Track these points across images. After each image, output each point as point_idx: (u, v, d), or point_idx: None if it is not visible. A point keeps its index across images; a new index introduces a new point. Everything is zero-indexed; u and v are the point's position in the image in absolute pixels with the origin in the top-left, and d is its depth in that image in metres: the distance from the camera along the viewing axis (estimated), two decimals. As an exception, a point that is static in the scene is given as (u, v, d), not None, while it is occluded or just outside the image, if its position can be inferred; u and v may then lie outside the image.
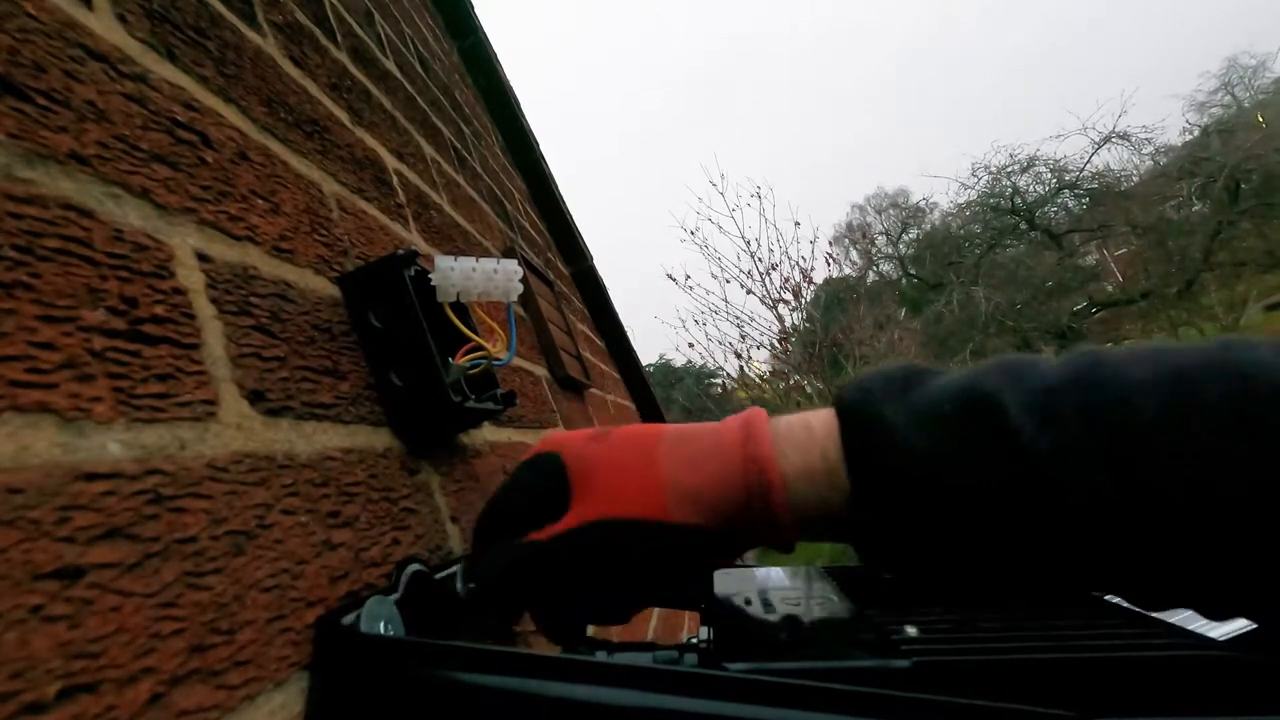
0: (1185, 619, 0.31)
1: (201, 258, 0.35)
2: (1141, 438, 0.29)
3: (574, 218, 2.50)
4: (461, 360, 0.47)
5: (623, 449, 0.37)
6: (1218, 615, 0.32)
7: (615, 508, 0.35)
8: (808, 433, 0.35)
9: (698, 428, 0.37)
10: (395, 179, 0.73)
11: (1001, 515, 0.32)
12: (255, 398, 0.35)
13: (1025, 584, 0.33)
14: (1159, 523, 0.29)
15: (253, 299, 0.38)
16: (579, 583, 0.37)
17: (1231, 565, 0.29)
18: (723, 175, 14.86)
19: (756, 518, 0.34)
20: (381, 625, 0.35)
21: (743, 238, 8.59)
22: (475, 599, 0.41)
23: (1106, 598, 0.33)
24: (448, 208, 0.92)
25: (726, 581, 0.39)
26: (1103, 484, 0.30)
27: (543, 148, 2.37)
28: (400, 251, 0.47)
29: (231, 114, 0.44)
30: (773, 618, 0.33)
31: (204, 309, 0.34)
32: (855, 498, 0.34)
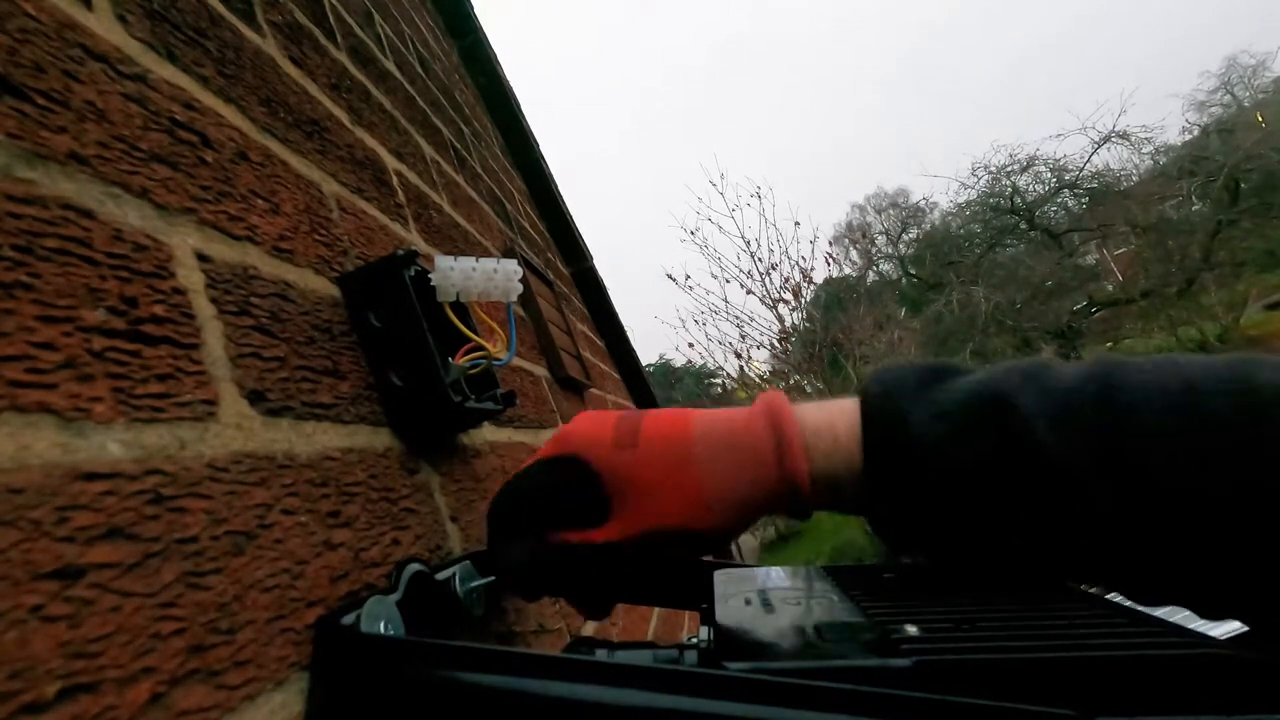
0: (1185, 618, 0.31)
1: (201, 258, 0.35)
2: (1145, 445, 0.30)
3: (573, 217, 2.50)
4: (461, 360, 0.47)
5: (658, 461, 0.38)
6: (1213, 615, 0.33)
7: (664, 520, 0.37)
8: (834, 440, 0.37)
9: (727, 428, 0.38)
10: (395, 179, 0.73)
11: (1012, 514, 0.33)
12: (255, 398, 0.35)
13: (1030, 574, 0.35)
14: (1156, 526, 0.30)
15: (253, 299, 0.38)
16: (616, 578, 0.41)
17: (1227, 568, 0.30)
18: (722, 175, 14.88)
19: (792, 508, 0.38)
20: (381, 625, 0.35)
21: (743, 238, 8.60)
22: (500, 587, 0.44)
23: (1108, 596, 0.34)
24: (447, 208, 0.92)
25: (727, 582, 0.39)
26: (1106, 488, 0.31)
27: (543, 146, 2.37)
28: (400, 251, 0.47)
29: (231, 114, 0.44)
30: (773, 618, 0.33)
31: (204, 309, 0.34)
32: (873, 493, 0.36)
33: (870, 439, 0.36)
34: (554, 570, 0.40)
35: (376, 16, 1.02)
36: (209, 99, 0.42)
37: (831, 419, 0.37)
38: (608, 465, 0.38)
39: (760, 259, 8.60)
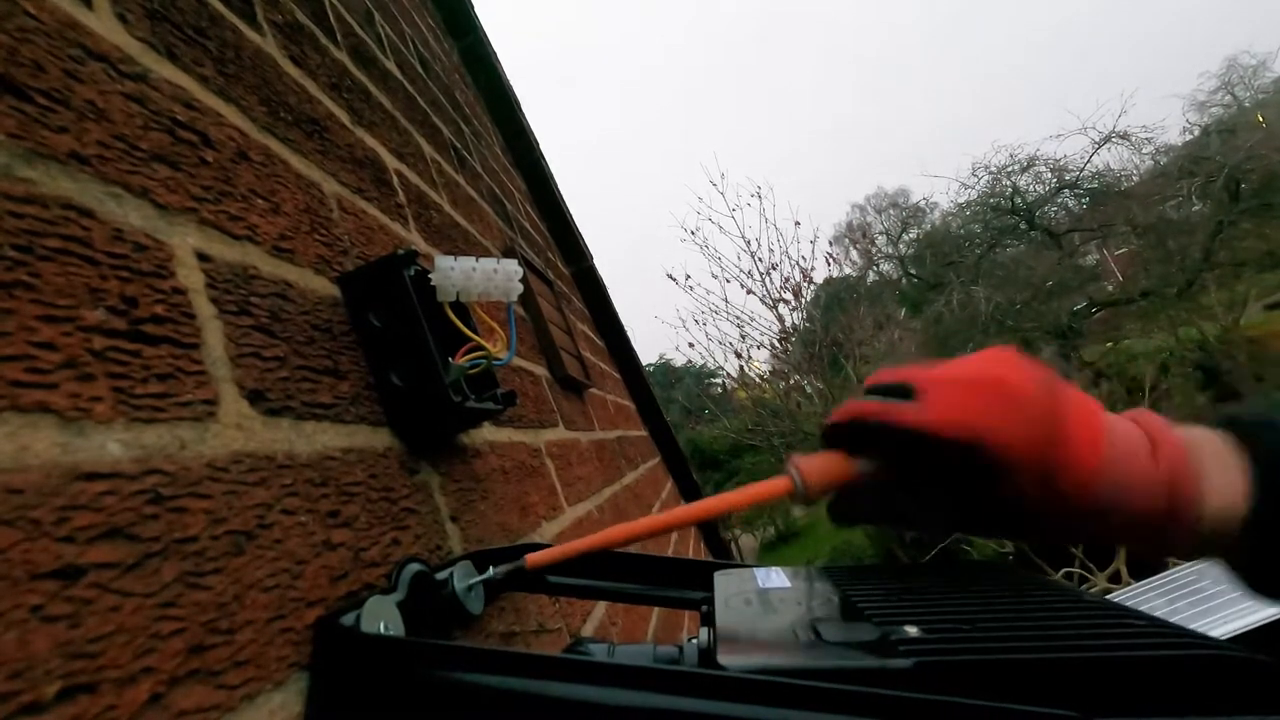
0: (1186, 618, 0.31)
1: (201, 257, 0.35)
2: None
3: (573, 216, 2.50)
4: (461, 360, 0.47)
5: (1068, 493, 0.36)
6: None
7: (1040, 525, 0.37)
8: (1224, 471, 0.36)
9: (1131, 480, 0.36)
10: (395, 179, 0.73)
11: None
12: (255, 397, 0.35)
13: None
14: None
15: (253, 299, 0.38)
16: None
17: None
18: (723, 175, 14.88)
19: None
20: (381, 625, 0.35)
21: (743, 237, 8.60)
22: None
23: (1107, 596, 0.34)
24: (448, 207, 0.92)
25: (727, 582, 0.39)
26: None
27: (543, 145, 2.37)
28: (400, 251, 0.47)
29: (231, 114, 0.44)
30: (773, 618, 0.33)
31: (204, 309, 0.34)
32: (1258, 536, 0.35)
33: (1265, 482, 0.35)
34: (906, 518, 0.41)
35: (377, 16, 1.02)
36: (209, 98, 0.42)
37: (1228, 470, 0.36)
38: (1022, 478, 0.35)
39: (760, 259, 8.60)
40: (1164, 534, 0.36)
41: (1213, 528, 0.35)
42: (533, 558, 0.41)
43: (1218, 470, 0.36)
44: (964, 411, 0.35)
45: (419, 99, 1.05)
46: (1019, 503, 0.36)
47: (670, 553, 1.60)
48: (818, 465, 0.38)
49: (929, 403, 0.36)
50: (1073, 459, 0.35)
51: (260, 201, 0.43)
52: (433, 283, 0.46)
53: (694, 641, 0.37)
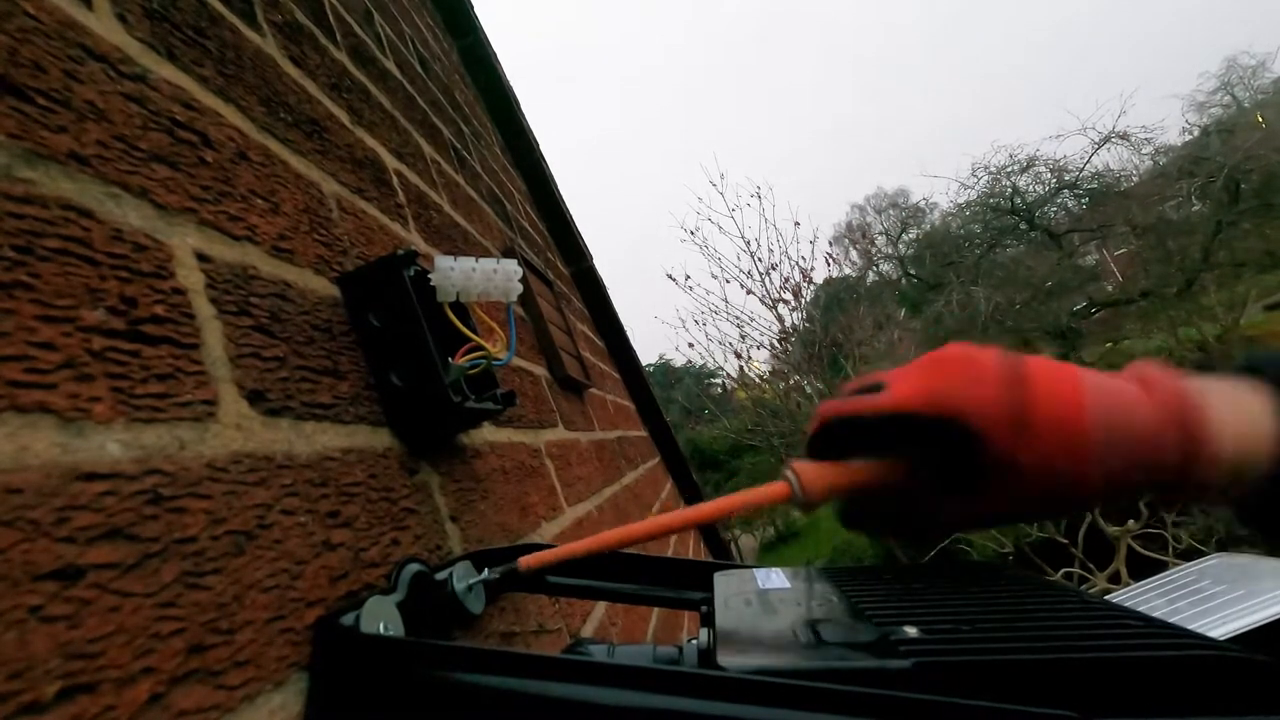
0: (1186, 619, 0.31)
1: (201, 258, 0.35)
2: None
3: (573, 217, 2.50)
4: (461, 360, 0.47)
5: (1056, 453, 0.35)
6: None
7: (1052, 498, 0.36)
8: (1239, 408, 0.35)
9: (1127, 430, 0.35)
10: (395, 179, 0.73)
11: None
12: (255, 398, 0.35)
13: None
14: None
15: (252, 299, 0.38)
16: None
17: None
18: (722, 175, 14.88)
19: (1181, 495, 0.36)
20: (381, 625, 0.35)
21: (742, 238, 8.61)
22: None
23: (1106, 596, 0.34)
24: (447, 207, 0.92)
25: (726, 582, 0.39)
26: None
27: (543, 143, 2.37)
28: (400, 251, 0.47)
29: (231, 114, 0.44)
30: (772, 618, 0.33)
31: (204, 309, 0.34)
32: None
33: None
34: (906, 523, 0.40)
35: (376, 16, 1.02)
36: (209, 99, 0.42)
37: (1245, 412, 0.35)
38: (997, 442, 0.34)
39: (760, 259, 8.61)
40: (1188, 473, 0.34)
41: (1238, 458, 0.34)
42: (526, 560, 0.41)
43: (1228, 401, 0.35)
44: (929, 387, 0.35)
45: (418, 99, 1.05)
46: (1018, 474, 0.35)
47: (670, 553, 1.60)
48: (816, 470, 0.37)
49: (894, 387, 0.36)
50: (1046, 410, 0.34)
51: (260, 202, 0.43)
52: (432, 283, 0.46)
53: (694, 642, 0.37)
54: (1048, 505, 0.37)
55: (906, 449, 0.37)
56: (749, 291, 8.50)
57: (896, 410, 0.36)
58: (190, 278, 0.34)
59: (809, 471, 0.37)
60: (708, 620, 0.36)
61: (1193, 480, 0.34)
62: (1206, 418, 0.34)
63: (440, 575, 0.42)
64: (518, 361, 0.93)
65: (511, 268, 0.47)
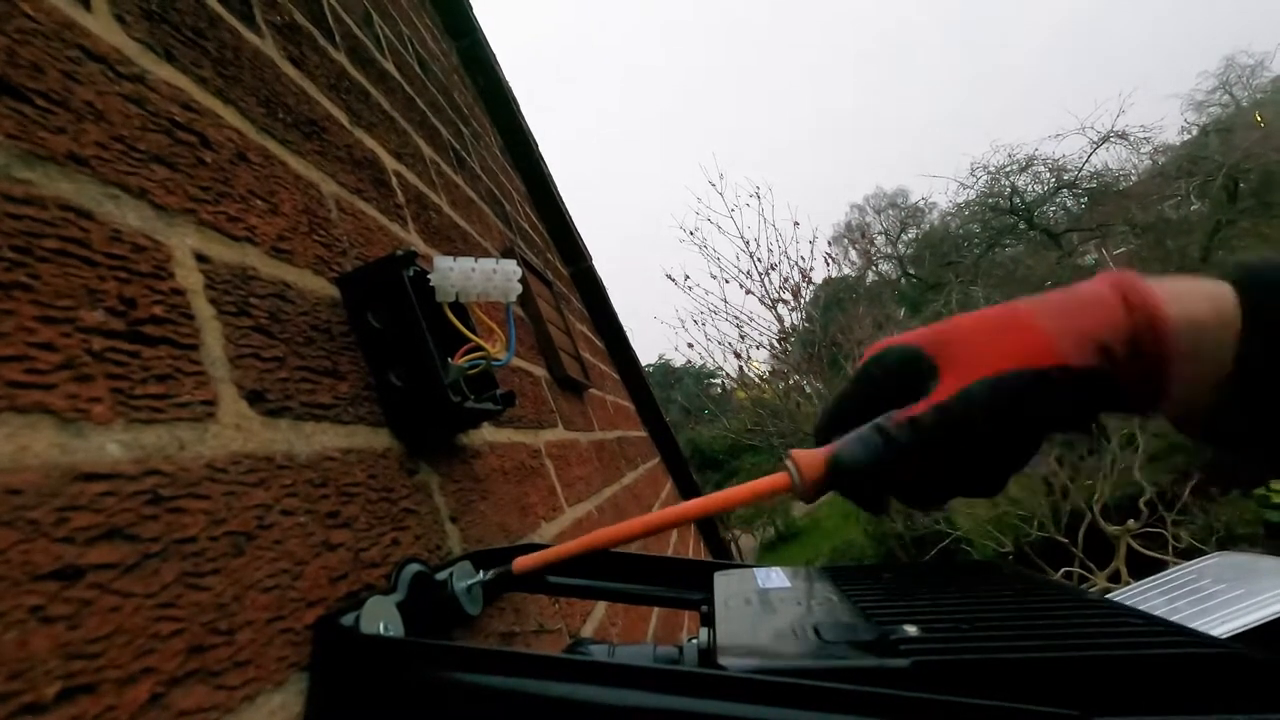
0: (1186, 617, 0.31)
1: (200, 258, 0.35)
2: None
3: (572, 217, 2.50)
4: (461, 360, 0.47)
5: (982, 317, 0.35)
6: None
7: (1004, 363, 0.33)
8: (1191, 285, 0.34)
9: (1052, 293, 0.35)
10: (394, 179, 0.73)
11: None
12: (254, 398, 0.35)
13: None
14: None
15: (251, 299, 0.38)
16: (962, 452, 0.35)
17: None
18: (721, 176, 14.89)
19: (1146, 363, 0.33)
20: (381, 626, 0.35)
21: (742, 238, 8.61)
22: (848, 489, 0.37)
23: (1107, 596, 0.33)
24: (446, 208, 0.92)
25: (726, 582, 0.39)
26: None
27: (543, 143, 2.37)
28: (399, 252, 0.47)
29: (230, 115, 0.44)
30: (772, 618, 0.33)
31: (203, 309, 0.34)
32: (1246, 336, 0.33)
33: (1253, 280, 0.33)
34: (902, 455, 0.35)
35: (375, 17, 1.02)
36: (208, 100, 0.42)
37: (1181, 281, 0.34)
38: (928, 340, 0.36)
39: (759, 259, 8.61)
40: (1139, 340, 0.33)
41: (1193, 330, 0.33)
42: (520, 561, 0.41)
43: (1182, 284, 0.34)
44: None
45: (417, 100, 1.05)
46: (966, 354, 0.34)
47: (670, 553, 1.60)
48: (815, 456, 0.37)
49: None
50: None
51: (259, 202, 0.43)
52: (432, 283, 0.46)
53: (694, 641, 0.37)
54: (1027, 386, 0.34)
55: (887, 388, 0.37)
56: (748, 291, 8.51)
57: (863, 360, 0.38)
58: (189, 278, 0.34)
59: (806, 458, 0.37)
60: (708, 620, 0.36)
61: (1146, 350, 0.33)
62: (1149, 287, 0.34)
63: (440, 575, 0.42)
64: (517, 362, 0.93)
65: (511, 268, 0.47)
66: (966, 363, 0.34)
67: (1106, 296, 0.34)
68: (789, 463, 0.37)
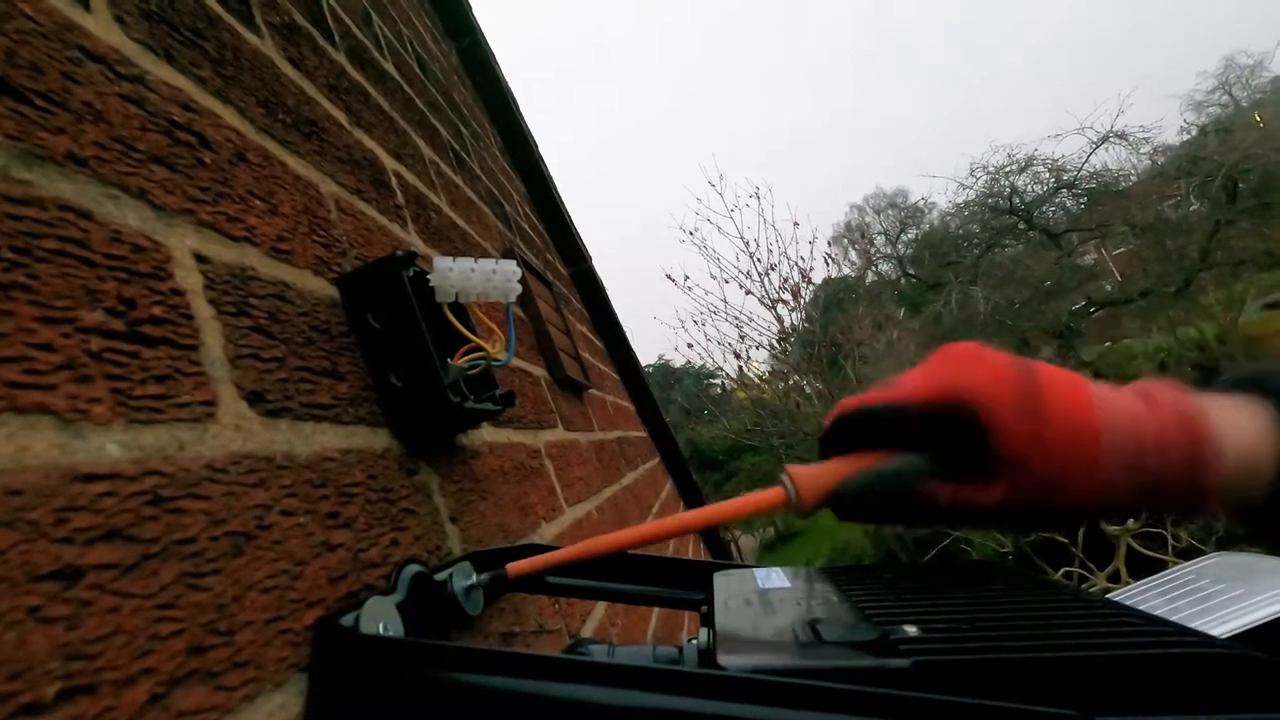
0: (1186, 617, 0.31)
1: (200, 259, 0.35)
2: None
3: (572, 218, 2.50)
4: (460, 361, 0.47)
5: (1067, 448, 0.35)
6: None
7: (1055, 498, 0.35)
8: (1240, 417, 0.36)
9: (1136, 428, 0.35)
10: (394, 180, 0.73)
11: None
12: (254, 399, 0.35)
13: None
14: None
15: (251, 300, 0.38)
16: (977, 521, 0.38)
17: None
18: (721, 176, 14.88)
19: (1190, 499, 0.36)
20: (381, 626, 0.35)
21: (741, 238, 8.61)
22: (849, 516, 0.39)
23: (1107, 596, 0.34)
24: (446, 209, 0.92)
25: (726, 582, 0.39)
26: None
27: (542, 144, 2.37)
28: (399, 252, 0.47)
29: (229, 115, 0.44)
30: (772, 618, 0.33)
31: (202, 310, 0.34)
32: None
33: None
34: (932, 519, 0.38)
35: (374, 17, 1.02)
36: (207, 100, 0.42)
37: (1243, 433, 0.36)
38: (1007, 431, 0.35)
39: (759, 259, 8.61)
40: (1193, 481, 0.35)
41: (1241, 470, 0.35)
42: (514, 566, 0.41)
43: (1229, 415, 0.36)
44: (940, 377, 0.36)
45: (417, 100, 1.05)
46: (1025, 464, 0.35)
47: (670, 553, 1.60)
48: (812, 474, 0.37)
49: (906, 381, 0.37)
50: (1057, 401, 0.35)
51: (258, 203, 0.43)
52: (431, 284, 0.46)
53: (694, 642, 0.37)
54: (1051, 502, 0.36)
55: (918, 441, 0.37)
56: (748, 292, 8.50)
57: (909, 400, 0.36)
58: (189, 279, 0.34)
59: (804, 476, 0.37)
60: (708, 620, 0.36)
61: (1197, 489, 0.35)
62: (1210, 428, 0.35)
63: (440, 576, 0.42)
64: (517, 362, 0.93)
65: (510, 268, 0.47)
66: (1031, 482, 0.35)
67: (1173, 443, 0.35)
68: (785, 480, 0.37)
